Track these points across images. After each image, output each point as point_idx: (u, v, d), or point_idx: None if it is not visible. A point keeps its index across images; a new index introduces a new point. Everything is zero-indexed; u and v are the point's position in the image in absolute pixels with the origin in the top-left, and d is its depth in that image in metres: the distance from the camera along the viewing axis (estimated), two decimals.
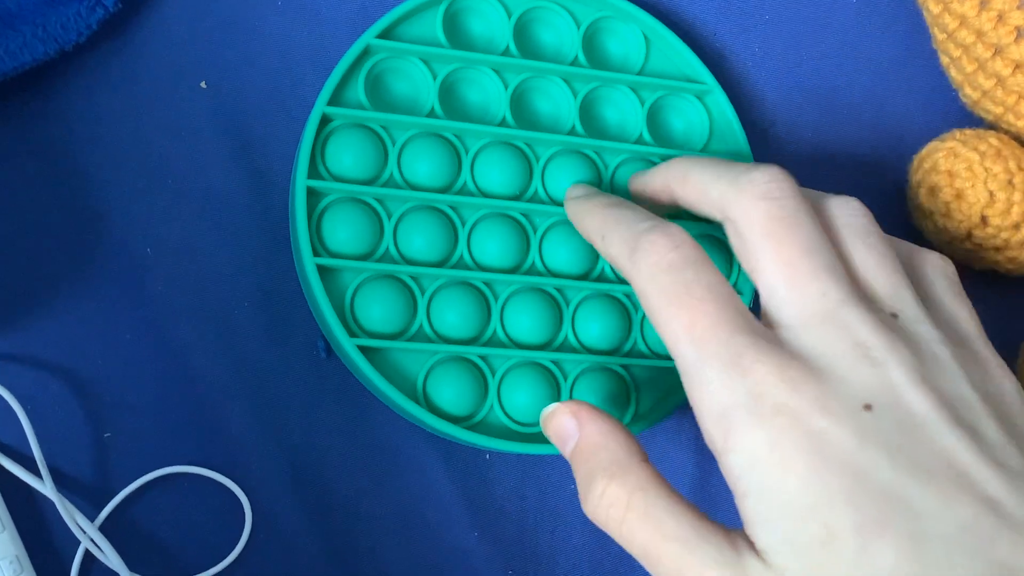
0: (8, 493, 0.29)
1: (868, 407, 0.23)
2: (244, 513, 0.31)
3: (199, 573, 0.31)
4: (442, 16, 0.33)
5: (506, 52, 0.34)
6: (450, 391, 0.31)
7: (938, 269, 0.28)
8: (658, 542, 0.24)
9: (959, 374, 0.25)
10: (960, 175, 0.34)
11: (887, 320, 0.25)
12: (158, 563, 0.30)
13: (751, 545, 0.23)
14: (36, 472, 0.29)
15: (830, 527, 0.22)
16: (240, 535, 0.31)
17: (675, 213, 0.32)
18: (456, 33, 0.34)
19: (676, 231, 0.26)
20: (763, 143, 0.37)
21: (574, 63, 0.34)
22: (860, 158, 0.38)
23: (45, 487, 0.29)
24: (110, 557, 0.30)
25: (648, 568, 0.24)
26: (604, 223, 0.29)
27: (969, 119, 0.37)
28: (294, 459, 0.32)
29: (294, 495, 0.32)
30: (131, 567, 0.30)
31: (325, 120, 0.32)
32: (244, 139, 0.33)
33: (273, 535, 0.31)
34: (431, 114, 0.33)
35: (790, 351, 0.24)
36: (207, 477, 0.31)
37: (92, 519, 0.30)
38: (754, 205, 0.26)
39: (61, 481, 0.30)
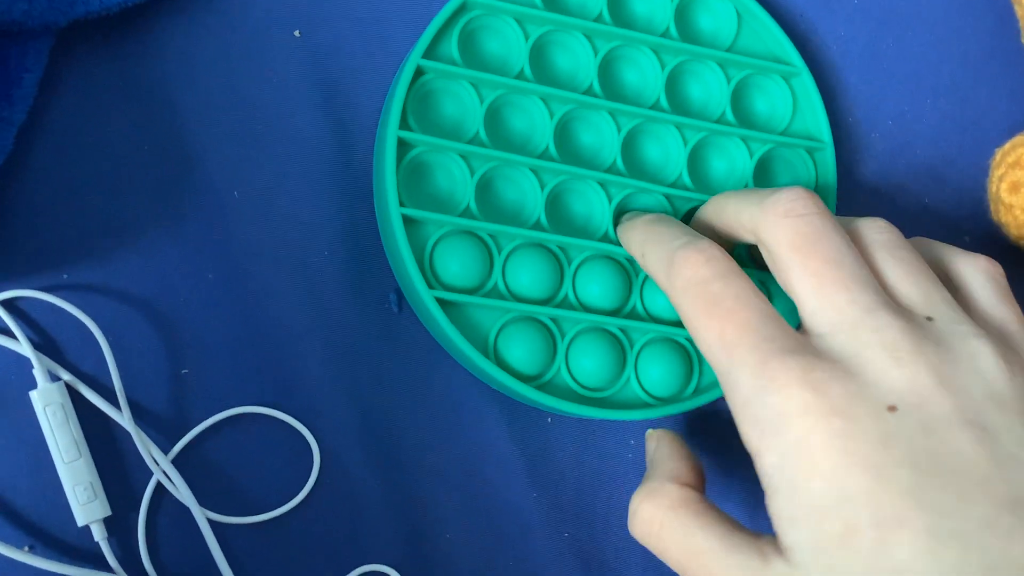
0: (86, 421, 0.30)
1: (892, 408, 0.24)
2: (312, 457, 0.32)
3: (265, 512, 0.31)
4: None
5: (599, 18, 0.34)
6: (520, 350, 0.32)
7: (982, 272, 0.29)
8: (690, 556, 0.26)
9: (996, 371, 0.25)
10: None
11: (920, 323, 0.26)
12: (227, 499, 0.31)
13: (776, 547, 0.24)
14: (114, 403, 0.30)
15: (849, 524, 0.23)
16: (307, 478, 0.31)
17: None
18: None
19: (707, 246, 0.27)
20: (843, 129, 0.37)
21: (665, 35, 0.34)
22: (940, 148, 0.38)
23: (123, 418, 0.30)
24: (181, 490, 0.30)
25: None
26: (644, 241, 0.30)
27: None
28: (363, 407, 0.32)
29: (361, 442, 0.32)
30: (200, 501, 0.30)
31: (419, 72, 0.32)
32: (332, 90, 0.33)
33: (339, 480, 0.32)
34: (520, 75, 0.33)
35: (818, 355, 0.25)
36: (279, 419, 0.31)
37: (166, 452, 0.30)
38: (780, 223, 0.27)
39: (138, 413, 0.30)
